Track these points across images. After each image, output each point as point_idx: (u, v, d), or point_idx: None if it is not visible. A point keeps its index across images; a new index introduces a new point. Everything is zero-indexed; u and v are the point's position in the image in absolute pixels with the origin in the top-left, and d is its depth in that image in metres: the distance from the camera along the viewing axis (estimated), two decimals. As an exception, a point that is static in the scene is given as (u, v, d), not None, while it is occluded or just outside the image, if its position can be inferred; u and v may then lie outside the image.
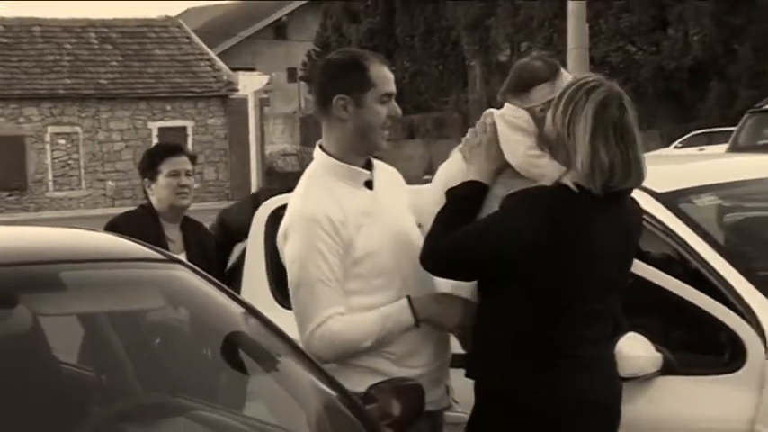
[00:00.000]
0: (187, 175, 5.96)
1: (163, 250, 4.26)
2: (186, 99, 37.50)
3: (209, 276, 3.97)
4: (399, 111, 4.17)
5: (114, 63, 37.99)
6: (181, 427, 3.56)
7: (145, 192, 5.99)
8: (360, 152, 4.16)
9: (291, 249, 4.08)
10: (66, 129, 36.63)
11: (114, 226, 5.64)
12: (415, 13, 43.64)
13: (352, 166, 4.13)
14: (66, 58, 37.45)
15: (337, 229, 3.99)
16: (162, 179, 5.85)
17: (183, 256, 5.38)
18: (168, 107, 37.54)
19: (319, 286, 4.00)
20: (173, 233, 5.86)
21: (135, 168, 35.28)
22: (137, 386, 4.12)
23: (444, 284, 4.29)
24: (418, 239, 4.12)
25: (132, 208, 6.32)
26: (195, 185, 6.08)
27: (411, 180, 5.53)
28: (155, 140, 35.35)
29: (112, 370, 4.16)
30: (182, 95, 37.67)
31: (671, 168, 6.12)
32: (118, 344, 4.15)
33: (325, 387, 3.63)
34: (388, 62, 4.21)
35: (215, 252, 6.11)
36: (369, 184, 4.17)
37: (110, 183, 36.43)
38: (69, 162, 36.69)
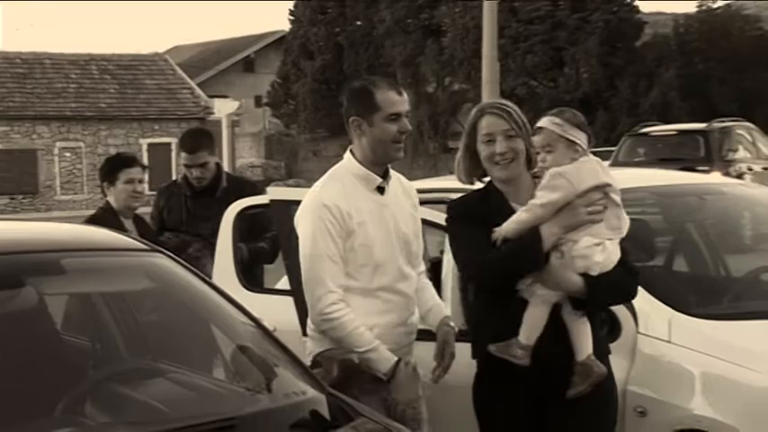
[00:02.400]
0: (140, 182, 6.16)
1: (146, 241, 4.25)
2: (171, 120, 37.41)
3: (185, 263, 3.95)
4: (409, 126, 4.19)
5: (112, 90, 37.82)
6: (161, 386, 3.53)
7: (103, 192, 6.23)
8: (376, 162, 4.19)
9: (304, 227, 4.15)
10: (72, 144, 36.50)
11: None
12: (360, 52, 43.61)
13: (369, 172, 4.17)
14: (72, 85, 37.26)
15: (343, 217, 4.05)
16: (120, 185, 6.06)
17: None
18: (156, 127, 37.48)
19: (326, 261, 4.06)
20: (129, 225, 6.05)
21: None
22: (125, 353, 4.13)
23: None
24: (415, 241, 4.30)
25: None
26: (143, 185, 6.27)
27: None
28: (145, 154, 35.12)
29: (104, 340, 4.15)
30: (167, 117, 37.61)
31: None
32: (109, 319, 4.14)
33: (281, 353, 3.61)
34: (397, 87, 4.23)
35: None
36: (381, 190, 4.20)
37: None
38: (74, 171, 36.55)
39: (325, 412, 3.31)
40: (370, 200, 4.16)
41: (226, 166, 36.35)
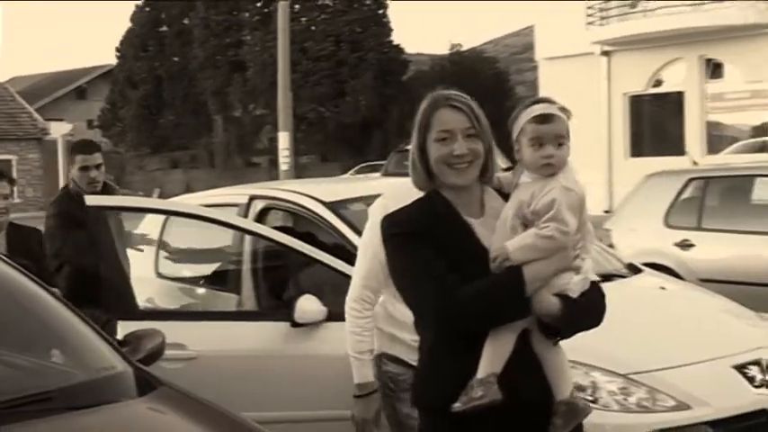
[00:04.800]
0: (4, 198, 5.12)
1: None
2: (11, 140, 35.98)
3: (11, 262, 3.67)
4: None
5: (-43, 114, 35.96)
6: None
7: None
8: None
9: (366, 229, 3.61)
10: None
11: None
12: (177, 83, 42.78)
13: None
14: None
15: None
16: None
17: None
18: (-1, 146, 35.87)
19: (373, 261, 3.44)
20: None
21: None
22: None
23: None
24: None
25: None
26: (19, 200, 5.35)
27: (170, 197, 5.38)
28: (-12, 170, 33.51)
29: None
30: (8, 138, 36.07)
31: (335, 186, 6.13)
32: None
33: (94, 334, 3.45)
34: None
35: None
36: None
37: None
38: None
39: (132, 383, 3.20)
40: None
41: (61, 179, 35.37)
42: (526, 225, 2.66)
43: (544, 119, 2.70)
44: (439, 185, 2.78)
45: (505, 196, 2.78)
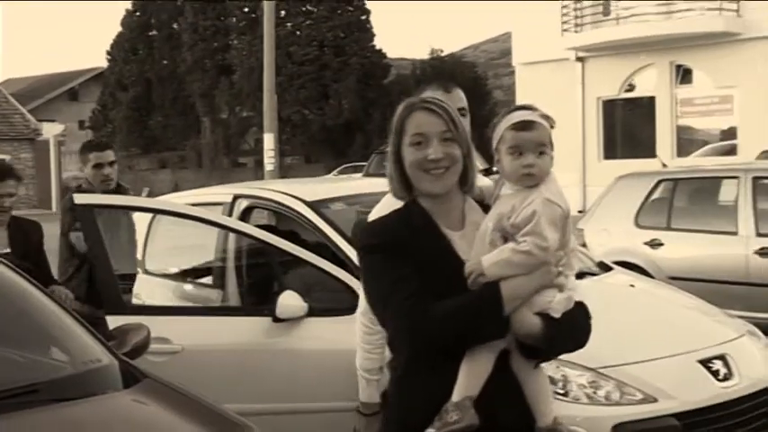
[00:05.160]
0: (9, 196, 4.97)
1: None
2: (4, 140, 35.63)
3: (9, 263, 3.64)
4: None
5: (-49, 115, 35.64)
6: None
7: None
8: None
9: None
10: None
11: None
12: (166, 86, 42.68)
13: None
14: None
15: None
16: None
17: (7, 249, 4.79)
18: (-8, 145, 35.56)
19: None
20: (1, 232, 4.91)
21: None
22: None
23: None
24: None
25: None
26: (13, 199, 5.01)
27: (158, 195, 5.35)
28: (-14, 169, 33.35)
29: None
30: (1, 138, 35.75)
31: (317, 186, 6.11)
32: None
33: (81, 329, 3.44)
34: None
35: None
36: None
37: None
38: None
39: (117, 376, 3.19)
40: None
41: (53, 178, 35.24)
42: (506, 239, 2.40)
43: (524, 126, 2.44)
44: (417, 195, 2.52)
45: (487, 208, 2.54)
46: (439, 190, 2.48)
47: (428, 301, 2.36)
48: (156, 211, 5.22)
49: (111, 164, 5.45)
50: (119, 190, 5.55)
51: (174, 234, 5.78)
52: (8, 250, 4.89)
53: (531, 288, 2.38)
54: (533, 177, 2.42)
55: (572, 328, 2.48)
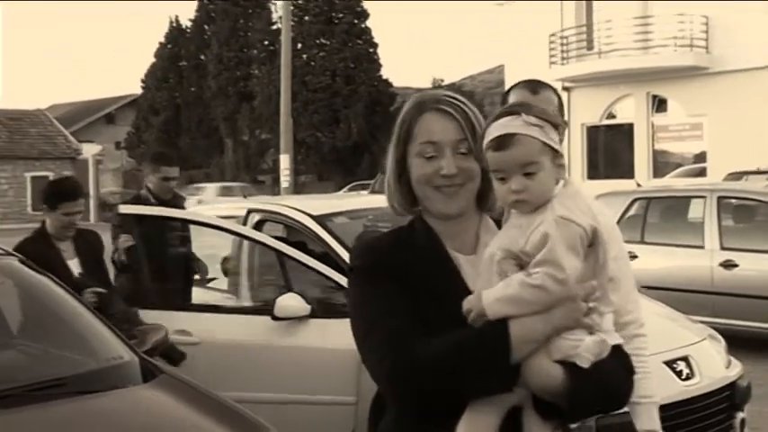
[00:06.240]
0: (77, 213, 4.63)
1: (1, 246, 3.75)
2: (48, 159, 35.77)
3: (31, 263, 3.66)
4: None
5: (3, 136, 35.63)
6: (9, 355, 3.33)
7: (40, 211, 4.71)
8: None
9: None
10: (-29, 175, 34.23)
11: (21, 248, 4.34)
12: (193, 110, 42.80)
13: None
14: (-30, 132, 35.08)
15: None
16: (58, 215, 4.52)
17: (76, 260, 4.53)
18: (37, 163, 35.49)
19: None
20: (66, 245, 4.59)
21: (14, 200, 33.80)
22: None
23: None
24: None
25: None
26: (81, 216, 4.73)
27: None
28: (29, 185, 33.78)
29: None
30: (46, 157, 35.86)
31: (322, 202, 6.12)
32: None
33: (104, 327, 3.45)
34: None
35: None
36: None
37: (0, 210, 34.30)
38: (-27, 196, 34.28)
39: (137, 371, 3.20)
40: None
41: (92, 193, 35.35)
42: (522, 266, 1.70)
43: (500, 144, 1.72)
44: (423, 210, 1.87)
45: None
46: (452, 211, 1.82)
47: (415, 336, 1.70)
48: (187, 222, 5.25)
49: (174, 179, 5.63)
50: (176, 198, 5.68)
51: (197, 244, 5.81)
52: (81, 270, 4.62)
53: (549, 329, 1.66)
54: (526, 204, 1.72)
55: (605, 382, 1.70)
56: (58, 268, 4.09)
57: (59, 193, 4.58)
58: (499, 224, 1.84)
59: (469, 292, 1.74)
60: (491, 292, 1.69)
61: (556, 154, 1.73)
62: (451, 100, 1.85)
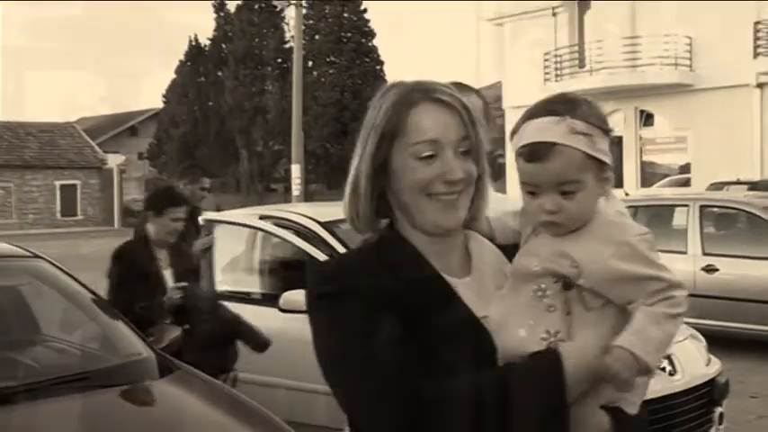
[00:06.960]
0: (182, 219, 4.31)
1: (31, 249, 3.72)
2: (76, 168, 35.96)
3: (59, 265, 3.68)
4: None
5: (34, 147, 35.66)
6: (38, 351, 3.34)
7: (145, 217, 4.38)
8: None
9: None
10: (3, 184, 33.97)
11: (120, 253, 4.13)
12: (211, 123, 42.87)
13: None
14: (4, 144, 34.84)
15: None
16: (165, 220, 4.18)
17: (171, 270, 4.15)
18: (66, 173, 35.68)
19: None
20: (162, 254, 4.20)
21: (44, 206, 33.84)
22: (15, 327, 3.84)
23: None
24: None
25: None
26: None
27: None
28: (58, 192, 33.94)
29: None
30: (74, 166, 36.02)
31: (330, 209, 6.10)
32: (6, 303, 3.84)
33: (124, 326, 3.46)
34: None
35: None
36: None
37: (30, 215, 34.29)
38: (5, 204, 34.00)
39: (154, 367, 3.21)
40: None
41: (116, 200, 35.45)
42: (569, 286, 1.29)
43: (534, 155, 1.31)
44: (399, 225, 1.40)
45: (502, 248, 1.43)
46: (451, 224, 1.35)
47: (422, 374, 1.24)
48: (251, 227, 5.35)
49: (208, 189, 6.01)
50: (194, 210, 5.67)
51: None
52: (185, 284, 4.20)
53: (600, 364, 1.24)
54: (558, 226, 1.33)
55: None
56: (152, 275, 3.96)
57: (167, 199, 4.32)
58: (491, 242, 1.43)
59: (480, 325, 1.31)
60: (631, 339, 1.22)
61: (602, 167, 1.33)
62: (450, 90, 1.37)
